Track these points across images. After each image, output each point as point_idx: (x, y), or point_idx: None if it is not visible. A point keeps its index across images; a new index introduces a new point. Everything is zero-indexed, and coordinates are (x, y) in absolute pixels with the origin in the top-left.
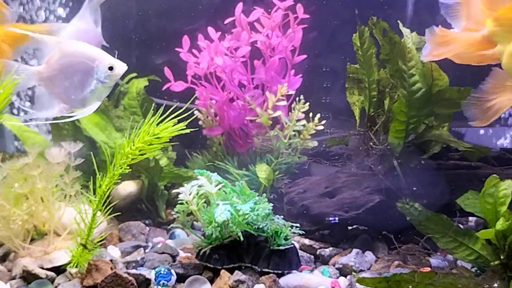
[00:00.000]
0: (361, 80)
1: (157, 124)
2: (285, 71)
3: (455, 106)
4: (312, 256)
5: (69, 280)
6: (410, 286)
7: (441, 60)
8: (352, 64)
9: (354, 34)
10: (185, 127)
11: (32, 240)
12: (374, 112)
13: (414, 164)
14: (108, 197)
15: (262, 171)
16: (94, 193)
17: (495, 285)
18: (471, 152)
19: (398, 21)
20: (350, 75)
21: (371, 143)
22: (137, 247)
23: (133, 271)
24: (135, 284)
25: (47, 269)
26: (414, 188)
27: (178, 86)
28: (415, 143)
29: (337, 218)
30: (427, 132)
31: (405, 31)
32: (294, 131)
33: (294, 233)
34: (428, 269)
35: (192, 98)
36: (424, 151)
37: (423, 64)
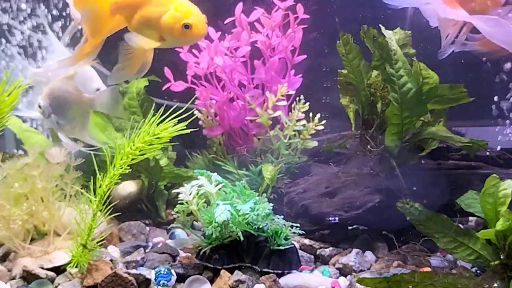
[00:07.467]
0: (351, 83)
1: (157, 124)
2: (285, 71)
3: (448, 102)
4: (312, 256)
5: (69, 280)
6: (410, 286)
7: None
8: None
9: (337, 42)
10: (185, 127)
11: (32, 240)
12: (368, 115)
13: (413, 164)
14: (108, 197)
15: (268, 171)
16: (94, 193)
17: (495, 285)
18: (469, 146)
19: (380, 25)
20: (341, 78)
21: (368, 146)
22: (137, 247)
23: (133, 271)
24: (135, 284)
25: (47, 269)
26: (414, 188)
27: (178, 86)
28: (413, 141)
29: (337, 218)
30: (424, 129)
31: (388, 33)
32: (294, 131)
33: (294, 233)
34: (428, 269)
35: (193, 99)
36: (422, 147)
37: (410, 64)
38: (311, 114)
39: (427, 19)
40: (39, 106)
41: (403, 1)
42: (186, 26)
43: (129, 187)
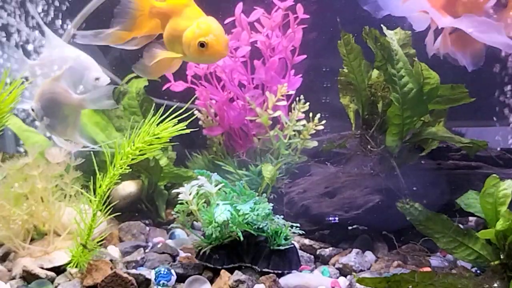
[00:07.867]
0: (351, 83)
1: (157, 124)
2: (285, 71)
3: (449, 102)
4: (312, 256)
5: (69, 280)
6: (410, 286)
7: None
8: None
9: (338, 41)
10: (185, 127)
11: (32, 240)
12: (368, 115)
13: (413, 164)
14: (108, 197)
15: (267, 171)
16: (94, 193)
17: (495, 285)
18: (469, 147)
19: (382, 25)
20: (341, 78)
21: (369, 146)
22: (137, 247)
23: (133, 271)
24: (135, 284)
25: (47, 269)
26: (414, 188)
27: (178, 86)
28: (413, 141)
29: (337, 218)
30: (424, 129)
31: (389, 33)
32: (294, 131)
33: (294, 233)
34: (428, 269)
35: (193, 99)
36: (422, 147)
37: (412, 64)
38: (311, 114)
39: (412, 24)
40: (32, 110)
41: (394, 10)
42: (202, 45)
43: (129, 187)
